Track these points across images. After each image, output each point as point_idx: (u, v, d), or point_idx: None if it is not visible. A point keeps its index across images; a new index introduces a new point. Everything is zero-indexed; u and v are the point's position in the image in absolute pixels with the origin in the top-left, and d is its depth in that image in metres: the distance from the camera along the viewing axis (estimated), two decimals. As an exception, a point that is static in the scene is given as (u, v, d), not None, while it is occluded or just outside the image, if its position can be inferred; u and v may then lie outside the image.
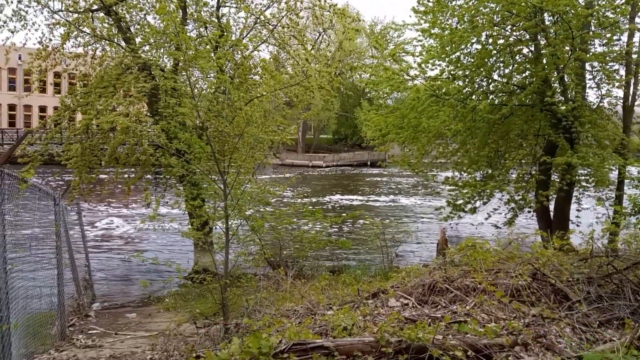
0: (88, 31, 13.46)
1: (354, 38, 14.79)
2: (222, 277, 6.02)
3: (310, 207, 9.02)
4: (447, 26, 16.60)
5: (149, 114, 13.78)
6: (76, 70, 14.69)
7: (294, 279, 9.46)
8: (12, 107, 56.10)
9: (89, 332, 7.72)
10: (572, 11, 14.37)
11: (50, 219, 6.57)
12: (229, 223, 6.19)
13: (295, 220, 10.14)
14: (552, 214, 16.80)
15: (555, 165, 16.76)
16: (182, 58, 8.36)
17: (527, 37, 15.68)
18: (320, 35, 16.07)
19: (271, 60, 15.38)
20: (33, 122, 51.85)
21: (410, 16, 17.29)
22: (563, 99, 16.05)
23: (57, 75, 32.77)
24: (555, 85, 16.15)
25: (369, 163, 69.80)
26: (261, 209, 8.87)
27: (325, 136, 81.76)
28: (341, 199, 31.35)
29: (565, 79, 15.56)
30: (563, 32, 14.03)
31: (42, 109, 54.49)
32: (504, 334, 3.83)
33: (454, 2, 16.90)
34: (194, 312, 7.91)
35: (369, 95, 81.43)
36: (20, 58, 46.42)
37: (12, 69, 52.66)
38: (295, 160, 64.84)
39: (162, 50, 14.35)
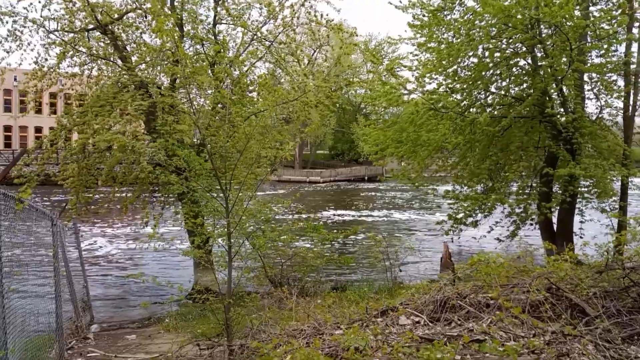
0: (84, 50, 13.36)
1: (352, 53, 14.72)
2: (225, 297, 5.83)
3: (314, 223, 8.86)
4: (444, 40, 16.63)
5: (146, 132, 13.66)
6: (72, 89, 14.60)
7: (297, 297, 9.26)
8: (7, 129, 55.99)
9: (88, 355, 7.49)
10: (569, 22, 14.41)
11: (48, 240, 6.39)
12: (231, 241, 6.02)
13: (296, 236, 9.95)
14: (555, 226, 16.70)
15: (557, 177, 16.67)
16: (180, 74, 8.23)
17: (524, 49, 15.69)
18: (315, 51, 15.98)
19: (268, 76, 15.28)
20: (29, 143, 51.63)
21: (405, 31, 17.29)
22: (563, 110, 16.03)
23: (53, 95, 32.72)
24: (554, 97, 16.14)
25: (366, 178, 69.76)
26: (262, 226, 8.68)
27: (322, 152, 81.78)
28: (336, 215, 31.19)
29: (565, 90, 15.55)
30: (561, 43, 14.03)
31: (38, 129, 54.38)
32: (525, 353, 3.66)
33: (449, 17, 16.94)
34: (196, 332, 7.69)
35: (365, 110, 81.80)
36: (15, 79, 46.39)
37: (8, 90, 52.63)
38: (293, 177, 64.68)
39: (158, 69, 14.30)
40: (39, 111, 49.76)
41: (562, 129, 15.28)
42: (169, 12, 12.93)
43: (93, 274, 15.51)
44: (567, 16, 12.99)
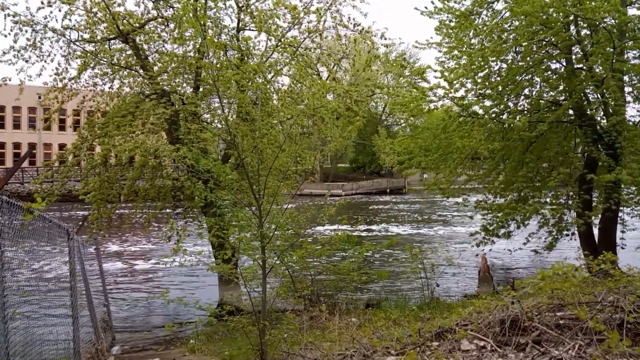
0: (105, 61, 13.00)
1: (377, 60, 14.07)
2: (259, 317, 5.20)
3: (347, 234, 8.20)
4: (473, 44, 15.99)
5: (169, 142, 13.21)
6: (94, 101, 14.23)
7: (330, 314, 8.59)
8: (32, 146, 56.55)
9: (109, 380, 6.92)
10: (610, 20, 13.66)
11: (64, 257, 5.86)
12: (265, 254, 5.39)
13: (328, 250, 9.26)
14: (596, 236, 15.78)
15: (597, 183, 15.77)
16: (207, 67, 7.69)
17: (558, 52, 14.92)
18: (342, 57, 15.40)
19: (294, 84, 14.76)
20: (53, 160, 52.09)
21: (431, 37, 16.68)
22: (603, 113, 15.19)
23: (76, 113, 32.79)
24: (592, 100, 15.33)
25: (388, 190, 68.89)
26: (299, 239, 8.04)
27: (343, 165, 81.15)
28: (360, 229, 30.37)
29: (605, 93, 14.71)
30: (604, 40, 13.25)
31: (62, 146, 54.80)
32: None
33: (478, 20, 16.31)
34: (224, 356, 7.06)
35: (386, 122, 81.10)
36: (40, 98, 46.84)
37: (32, 107, 53.28)
38: (314, 190, 64.05)
39: (181, 78, 13.88)
40: (62, 128, 50.23)
41: (602, 133, 14.46)
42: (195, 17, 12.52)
43: (115, 292, 15.03)
44: (610, 12, 12.22)
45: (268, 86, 12.99)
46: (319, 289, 10.06)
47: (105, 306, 10.15)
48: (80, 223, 11.69)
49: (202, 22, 12.24)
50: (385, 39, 13.27)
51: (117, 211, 14.25)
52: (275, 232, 5.81)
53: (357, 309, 9.88)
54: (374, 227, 30.99)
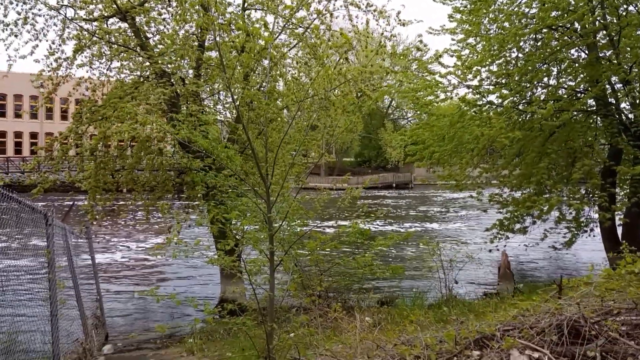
0: (102, 39, 12.22)
1: (385, 53, 13.15)
2: (266, 318, 4.44)
3: (361, 226, 7.41)
4: (494, 28, 15.17)
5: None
6: (90, 83, 13.45)
7: (342, 313, 7.82)
8: (34, 135, 55.99)
9: (96, 384, 6.19)
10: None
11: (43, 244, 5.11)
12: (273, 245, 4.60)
13: (340, 244, 8.46)
14: (619, 232, 14.98)
15: (621, 177, 14.95)
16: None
17: (580, 38, 14.06)
18: (355, 43, 14.57)
19: (299, 70, 13.98)
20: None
21: (444, 25, 15.82)
22: (629, 104, 14.35)
23: (77, 102, 32.09)
24: (619, 88, 14.49)
25: (394, 185, 68.04)
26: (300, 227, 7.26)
27: (348, 159, 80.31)
28: (369, 223, 29.54)
29: (633, 81, 13.86)
30: (635, 23, 12.40)
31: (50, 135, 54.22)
32: None
33: (494, 7, 15.43)
34: (225, 358, 6.31)
35: (392, 116, 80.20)
36: (43, 87, 46.07)
37: (34, 96, 52.62)
38: (318, 184, 63.31)
39: (183, 60, 13.10)
40: (64, 117, 49.61)
41: (629, 123, 13.63)
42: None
43: (109, 285, 14.31)
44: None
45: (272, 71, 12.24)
46: (329, 285, 9.28)
47: (98, 301, 9.41)
48: (67, 211, 10.93)
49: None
50: (399, 21, 12.39)
51: (114, 202, 13.50)
52: (284, 223, 5.02)
53: (371, 307, 9.12)
54: (380, 222, 30.18)
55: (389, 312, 8.60)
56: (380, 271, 8.38)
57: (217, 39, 6.78)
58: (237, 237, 5.08)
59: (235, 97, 5.21)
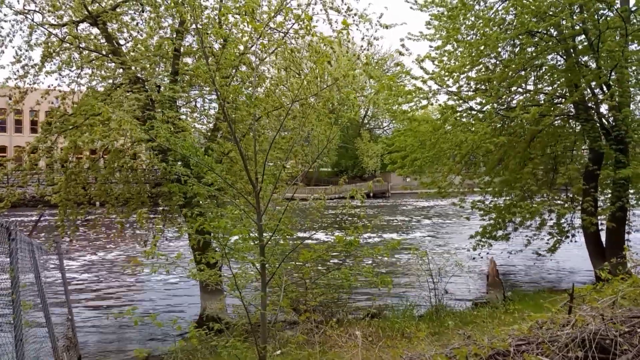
0: (72, 45, 11.68)
1: (363, 61, 12.89)
2: (257, 338, 4.01)
3: (349, 237, 7.01)
4: (474, 33, 15.06)
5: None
6: (60, 92, 12.86)
7: (327, 325, 7.43)
8: (2, 149, 54.39)
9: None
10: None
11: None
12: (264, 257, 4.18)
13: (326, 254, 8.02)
14: (603, 238, 14.91)
15: (602, 181, 14.91)
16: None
17: (557, 43, 14.03)
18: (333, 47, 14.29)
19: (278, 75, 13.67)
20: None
21: (421, 32, 15.60)
22: (608, 107, 14.35)
23: (47, 114, 31.22)
24: (598, 93, 14.49)
25: (371, 194, 67.96)
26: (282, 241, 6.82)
27: (325, 169, 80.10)
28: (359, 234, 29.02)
29: (613, 85, 13.86)
30: (613, 27, 12.38)
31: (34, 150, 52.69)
32: None
33: (471, 13, 15.32)
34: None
35: (368, 125, 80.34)
36: (10, 99, 44.77)
37: (2, 109, 51.18)
38: (296, 194, 62.81)
39: (157, 67, 12.62)
40: (34, 130, 48.29)
41: (611, 127, 13.61)
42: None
43: (82, 303, 13.62)
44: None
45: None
46: (324, 298, 8.84)
47: (69, 320, 8.81)
48: (34, 225, 10.31)
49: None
50: (382, 25, 12.13)
51: (87, 216, 12.88)
52: (274, 232, 4.59)
53: (361, 321, 8.71)
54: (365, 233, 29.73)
55: (380, 325, 8.21)
56: (367, 282, 7.98)
57: (199, 26, 6.39)
58: (223, 248, 4.63)
59: (219, 92, 4.81)
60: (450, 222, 35.41)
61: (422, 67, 13.22)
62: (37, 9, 12.08)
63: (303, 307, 7.31)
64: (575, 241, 16.11)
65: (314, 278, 8.14)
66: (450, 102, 14.56)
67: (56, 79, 12.55)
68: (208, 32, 12.07)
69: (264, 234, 4.30)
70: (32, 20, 11.78)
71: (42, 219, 13.95)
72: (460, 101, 14.10)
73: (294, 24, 12.62)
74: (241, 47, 12.24)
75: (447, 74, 13.78)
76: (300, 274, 9.17)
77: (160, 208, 12.26)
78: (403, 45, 11.90)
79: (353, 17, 12.25)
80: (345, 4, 12.19)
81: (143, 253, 7.12)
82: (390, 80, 14.94)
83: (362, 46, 11.78)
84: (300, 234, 14.70)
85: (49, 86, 12.63)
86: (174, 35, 10.90)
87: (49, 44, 11.74)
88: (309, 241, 9.88)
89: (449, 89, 14.57)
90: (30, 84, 12.31)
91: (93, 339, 10.80)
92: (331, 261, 11.00)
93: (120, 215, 11.91)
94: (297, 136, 11.61)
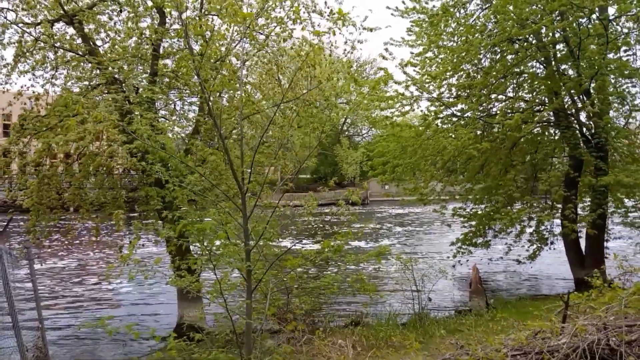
0: (46, 44, 11.31)
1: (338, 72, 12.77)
2: (241, 350, 3.77)
3: (333, 243, 6.81)
4: (455, 40, 15.08)
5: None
6: (33, 93, 12.44)
7: (310, 334, 7.21)
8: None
9: None
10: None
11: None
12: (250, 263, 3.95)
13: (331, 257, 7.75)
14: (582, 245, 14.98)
15: (582, 189, 14.97)
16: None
17: (537, 51, 14.11)
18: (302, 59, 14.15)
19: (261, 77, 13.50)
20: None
21: (402, 38, 15.51)
22: (588, 115, 14.46)
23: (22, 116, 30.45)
24: (578, 101, 14.59)
25: (350, 202, 67.85)
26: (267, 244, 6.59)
27: (305, 176, 79.77)
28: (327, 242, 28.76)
29: (591, 92, 13.97)
30: (594, 34, 12.49)
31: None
32: None
33: (452, 19, 15.33)
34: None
35: (348, 132, 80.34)
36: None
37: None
38: (275, 201, 62.44)
39: (136, 68, 12.30)
40: (6, 134, 47.11)
41: (591, 135, 13.70)
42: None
43: (53, 311, 13.15)
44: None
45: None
46: (310, 306, 8.60)
47: (40, 330, 8.41)
48: (2, 228, 9.90)
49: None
50: (365, 28, 12.00)
51: (61, 221, 12.47)
52: (260, 240, 4.37)
53: (344, 329, 8.49)
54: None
55: (363, 333, 8.01)
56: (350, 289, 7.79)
57: (183, 16, 6.21)
58: (208, 253, 4.37)
59: (204, 86, 4.58)
60: (422, 229, 35.42)
61: (405, 72, 13.13)
62: (10, 7, 11.67)
63: (290, 315, 7.08)
64: (554, 248, 16.16)
65: (300, 285, 7.92)
66: (433, 108, 14.51)
67: (30, 80, 12.16)
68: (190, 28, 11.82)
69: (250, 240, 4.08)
70: (5, 18, 11.39)
71: (10, 223, 13.46)
72: (442, 107, 14.05)
73: (276, 27, 12.47)
74: (223, 49, 12.02)
75: (428, 79, 13.73)
76: (286, 281, 8.95)
77: (137, 213, 11.92)
78: (387, 50, 11.77)
79: (335, 21, 12.11)
80: (328, 7, 12.03)
81: (119, 259, 6.83)
82: (376, 85, 14.86)
83: (345, 50, 11.62)
84: (284, 243, 14.54)
85: (21, 87, 12.21)
86: (153, 35, 10.62)
87: (23, 43, 11.36)
88: (295, 248, 9.66)
89: (431, 95, 14.53)
90: (1, 84, 11.91)
91: (63, 349, 10.38)
92: (311, 270, 10.81)
93: (95, 220, 11.53)
94: (279, 141, 11.43)
